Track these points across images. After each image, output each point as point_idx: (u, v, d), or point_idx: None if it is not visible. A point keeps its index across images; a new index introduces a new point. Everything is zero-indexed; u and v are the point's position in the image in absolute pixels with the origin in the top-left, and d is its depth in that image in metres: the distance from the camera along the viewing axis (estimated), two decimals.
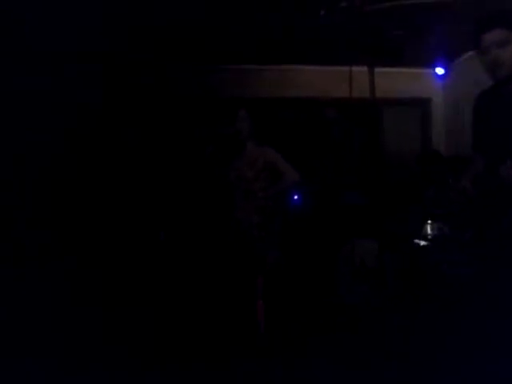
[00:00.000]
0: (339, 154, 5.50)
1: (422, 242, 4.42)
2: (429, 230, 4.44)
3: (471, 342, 2.58)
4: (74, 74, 4.45)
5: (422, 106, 5.83)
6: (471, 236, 2.66)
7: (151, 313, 3.77)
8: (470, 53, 5.05)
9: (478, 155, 2.49)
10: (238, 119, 3.48)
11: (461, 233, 4.04)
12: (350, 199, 5.03)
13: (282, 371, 3.07)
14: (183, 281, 4.16)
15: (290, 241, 3.71)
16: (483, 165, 2.41)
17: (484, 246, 2.46)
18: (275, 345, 3.32)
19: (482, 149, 2.44)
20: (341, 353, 3.32)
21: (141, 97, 4.92)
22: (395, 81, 5.33)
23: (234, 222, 3.45)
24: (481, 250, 2.55)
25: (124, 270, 4.07)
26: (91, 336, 3.31)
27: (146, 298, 3.91)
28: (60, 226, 4.18)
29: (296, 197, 4.64)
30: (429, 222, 4.45)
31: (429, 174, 4.69)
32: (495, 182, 2.21)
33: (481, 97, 2.50)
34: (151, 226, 4.55)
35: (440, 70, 5.51)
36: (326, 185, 5.11)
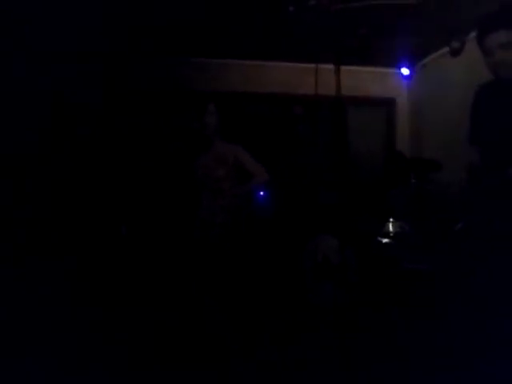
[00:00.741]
0: (304, 152, 5.53)
1: (384, 240, 4.50)
2: (391, 228, 4.52)
3: (432, 335, 2.63)
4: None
5: (386, 105, 5.91)
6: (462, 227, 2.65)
7: (110, 309, 3.71)
8: (435, 54, 5.16)
9: (474, 147, 2.45)
10: (206, 113, 3.43)
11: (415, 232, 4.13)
12: (324, 199, 5.06)
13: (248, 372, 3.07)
14: (144, 276, 4.10)
15: (255, 240, 3.69)
16: (479, 158, 2.37)
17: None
18: (234, 346, 3.30)
19: (480, 143, 2.40)
20: (309, 351, 3.35)
21: (106, 90, 4.83)
22: (361, 80, 5.40)
23: (199, 220, 3.40)
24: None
25: (83, 264, 4.00)
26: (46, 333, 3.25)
27: (105, 294, 3.85)
28: (19, 221, 4.08)
29: (262, 193, 4.65)
30: (391, 220, 4.53)
31: (392, 173, 4.77)
32: (501, 180, 2.17)
33: (481, 90, 2.45)
34: (113, 219, 4.47)
35: (405, 71, 5.60)
36: (292, 182, 5.12)
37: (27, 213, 4.15)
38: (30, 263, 3.83)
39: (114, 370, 3.00)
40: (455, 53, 4.51)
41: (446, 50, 4.70)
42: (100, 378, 2.91)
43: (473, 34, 4.26)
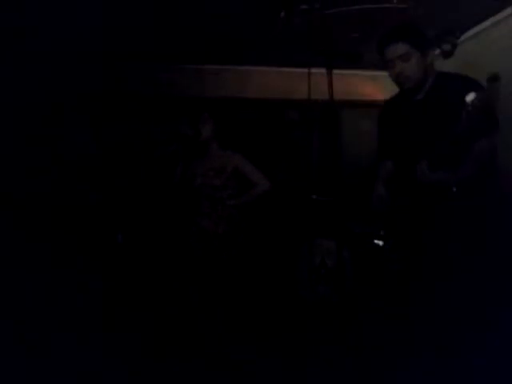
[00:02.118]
0: (299, 156, 5.54)
1: (381, 242, 4.50)
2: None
3: (430, 336, 2.64)
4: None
5: (379, 108, 5.90)
6: (392, 243, 2.81)
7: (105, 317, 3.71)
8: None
9: (387, 162, 2.65)
10: (200, 121, 3.40)
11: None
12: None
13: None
14: (141, 285, 4.10)
15: (253, 246, 3.67)
16: (392, 168, 2.59)
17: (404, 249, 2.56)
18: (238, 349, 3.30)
19: (389, 155, 2.61)
20: (306, 353, 3.35)
21: (97, 96, 4.83)
22: (354, 83, 5.41)
23: (199, 229, 3.36)
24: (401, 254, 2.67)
25: (80, 272, 3.99)
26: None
27: (101, 301, 3.85)
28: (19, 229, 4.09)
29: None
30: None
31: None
32: (409, 182, 2.34)
33: (385, 108, 2.71)
34: (109, 227, 4.46)
35: None
36: (286, 186, 5.13)
37: (24, 220, 4.15)
38: (28, 268, 3.84)
39: (112, 370, 3.05)
40: (447, 55, 4.54)
41: (437, 52, 4.73)
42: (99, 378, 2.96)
43: (464, 37, 4.31)
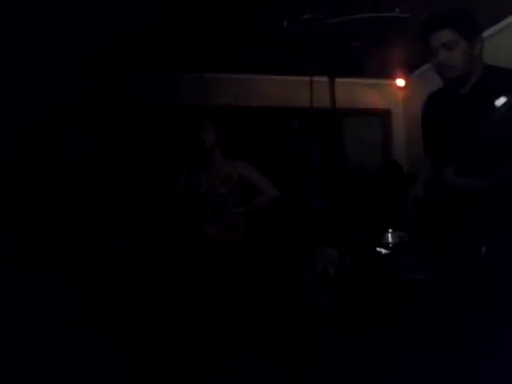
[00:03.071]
0: (301, 163, 5.55)
1: (384, 250, 4.50)
2: (390, 239, 4.52)
3: (431, 346, 2.63)
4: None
5: (381, 116, 5.95)
6: (423, 244, 2.69)
7: (107, 324, 3.72)
8: (429, 65, 5.19)
9: (428, 161, 2.48)
10: (202, 130, 3.40)
11: (414, 242, 4.14)
12: (315, 208, 5.07)
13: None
14: (142, 291, 4.10)
15: (254, 253, 3.67)
16: (432, 170, 2.40)
17: (434, 254, 2.47)
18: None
19: (433, 154, 2.43)
20: (307, 360, 3.34)
21: (100, 105, 4.85)
22: (356, 91, 5.43)
23: (203, 236, 3.35)
24: (431, 257, 2.58)
25: (82, 278, 4.00)
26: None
27: (104, 307, 3.85)
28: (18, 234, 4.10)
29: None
30: (390, 230, 4.54)
31: (387, 183, 4.79)
32: (441, 188, 2.20)
33: (429, 101, 2.48)
34: (111, 234, 4.47)
35: (400, 82, 5.65)
36: (288, 194, 5.14)
37: (26, 228, 4.17)
38: (29, 274, 3.85)
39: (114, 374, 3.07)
40: None
41: None
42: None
43: None
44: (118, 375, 3.12)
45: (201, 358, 3.28)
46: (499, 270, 2.08)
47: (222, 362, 3.17)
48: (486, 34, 4.19)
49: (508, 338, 2.05)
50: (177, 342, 3.58)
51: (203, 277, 3.24)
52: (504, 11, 3.90)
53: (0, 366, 2.92)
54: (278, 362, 3.43)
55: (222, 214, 3.33)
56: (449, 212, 2.22)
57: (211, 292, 3.23)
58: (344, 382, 2.57)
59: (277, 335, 3.91)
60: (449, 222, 2.23)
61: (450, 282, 2.29)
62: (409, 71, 5.46)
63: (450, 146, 2.18)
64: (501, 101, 1.79)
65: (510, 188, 2.06)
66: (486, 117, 1.86)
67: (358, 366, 2.89)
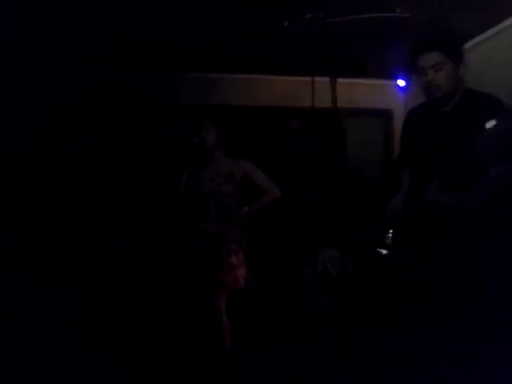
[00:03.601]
0: (302, 164, 5.55)
1: (384, 251, 4.49)
2: (391, 240, 4.52)
3: (432, 346, 2.63)
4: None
5: (383, 117, 5.94)
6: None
7: (108, 323, 3.72)
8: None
9: (405, 172, 2.60)
10: (203, 130, 3.40)
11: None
12: (314, 201, 5.06)
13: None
14: (144, 291, 4.11)
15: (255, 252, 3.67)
16: (408, 183, 2.52)
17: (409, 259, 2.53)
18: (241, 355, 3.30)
19: (409, 164, 2.56)
20: (307, 360, 3.34)
21: (100, 104, 4.86)
22: (358, 92, 5.42)
23: (205, 234, 3.35)
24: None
25: (82, 279, 4.01)
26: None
27: (105, 307, 3.86)
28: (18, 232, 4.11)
29: None
30: (390, 231, 4.53)
31: (392, 179, 4.78)
32: (420, 202, 2.29)
33: (411, 114, 2.65)
34: (112, 232, 4.47)
35: (402, 82, 5.64)
36: (289, 194, 5.14)
37: (26, 226, 4.18)
38: (30, 273, 3.86)
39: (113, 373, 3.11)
40: None
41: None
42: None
43: (466, 45, 4.31)
44: (117, 373, 3.12)
45: (201, 357, 3.29)
46: (472, 279, 2.18)
47: (221, 361, 3.17)
48: (483, 36, 4.21)
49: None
50: (178, 341, 3.59)
51: (205, 275, 3.23)
52: (501, 14, 3.90)
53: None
54: (278, 361, 3.44)
55: (225, 213, 3.33)
56: (426, 221, 2.31)
57: (211, 291, 3.21)
58: (343, 381, 2.57)
59: (277, 334, 3.92)
60: (425, 230, 2.32)
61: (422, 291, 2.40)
62: (410, 72, 5.44)
63: (429, 160, 2.31)
64: (491, 123, 1.87)
65: (489, 201, 2.14)
66: (473, 136, 1.94)
67: (358, 366, 2.89)
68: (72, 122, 4.78)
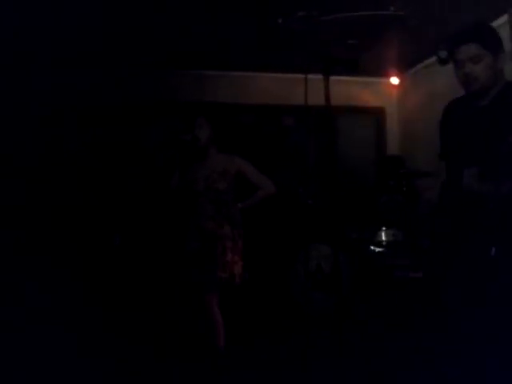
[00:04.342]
0: (296, 161, 5.56)
1: (377, 249, 4.51)
2: (383, 237, 4.54)
3: (425, 342, 2.65)
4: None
5: (376, 114, 5.97)
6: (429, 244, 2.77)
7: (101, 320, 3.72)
8: (424, 63, 5.22)
9: (443, 164, 2.55)
10: (196, 126, 3.39)
11: (420, 240, 4.17)
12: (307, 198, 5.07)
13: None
14: (137, 288, 4.10)
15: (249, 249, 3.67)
16: (446, 173, 2.49)
17: (439, 252, 2.53)
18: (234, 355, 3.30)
19: (447, 157, 2.52)
20: (301, 358, 3.35)
21: (96, 101, 4.84)
22: (350, 89, 5.44)
23: (202, 232, 3.34)
24: (436, 256, 2.64)
25: (76, 275, 4.00)
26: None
27: (98, 304, 3.86)
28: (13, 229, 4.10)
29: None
30: (383, 228, 4.55)
31: (386, 178, 4.80)
32: (457, 191, 2.28)
33: (450, 106, 2.57)
34: (106, 229, 4.46)
35: (394, 80, 5.66)
36: (283, 191, 5.14)
37: (22, 223, 4.17)
38: (26, 269, 3.85)
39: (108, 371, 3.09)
40: (443, 62, 4.57)
41: (434, 59, 4.76)
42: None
43: None
44: (115, 372, 3.12)
45: (195, 355, 3.29)
46: (506, 275, 2.12)
47: (216, 360, 3.18)
48: None
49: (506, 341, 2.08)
50: (174, 339, 3.59)
51: (201, 272, 3.23)
52: (498, 10, 3.91)
53: None
54: (271, 359, 3.44)
55: (221, 210, 3.33)
56: (461, 214, 2.28)
57: (206, 288, 3.22)
58: (338, 379, 2.58)
59: (270, 332, 3.93)
60: (460, 223, 2.29)
61: (454, 283, 2.33)
62: (403, 70, 5.47)
63: (468, 152, 2.28)
64: None
65: None
66: (505, 137, 1.95)
67: (351, 363, 2.90)
68: (69, 120, 4.76)
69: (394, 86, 5.73)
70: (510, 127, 1.97)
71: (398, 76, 5.61)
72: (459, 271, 2.28)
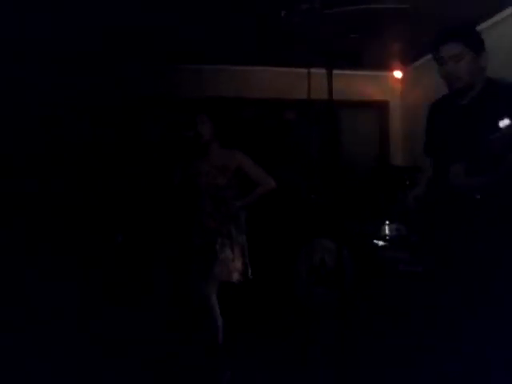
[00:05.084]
0: (298, 156, 5.54)
1: (381, 243, 4.50)
2: (387, 231, 4.53)
3: (429, 337, 2.64)
4: None
5: (379, 108, 5.94)
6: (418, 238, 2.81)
7: (105, 317, 3.72)
8: (427, 57, 5.18)
9: (428, 160, 2.63)
10: (198, 122, 3.36)
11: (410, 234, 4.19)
12: (310, 193, 5.06)
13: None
14: (139, 286, 4.11)
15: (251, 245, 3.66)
16: (432, 169, 2.56)
17: (428, 247, 2.57)
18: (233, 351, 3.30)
19: (433, 153, 2.59)
20: (303, 353, 3.35)
21: (96, 97, 4.83)
22: (354, 83, 5.41)
23: (202, 227, 3.33)
24: (425, 250, 2.68)
25: (78, 274, 4.00)
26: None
27: (101, 301, 3.86)
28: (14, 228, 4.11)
29: None
30: (387, 222, 4.54)
31: (382, 182, 4.81)
32: (444, 186, 2.32)
33: (435, 105, 2.64)
34: (108, 227, 4.46)
35: (398, 74, 5.63)
36: (285, 186, 5.13)
37: (24, 221, 4.17)
38: (26, 269, 3.86)
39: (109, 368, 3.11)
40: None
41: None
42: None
43: None
44: (116, 368, 3.13)
45: (200, 351, 3.30)
46: (493, 267, 2.17)
47: (220, 355, 3.18)
48: (487, 23, 4.17)
49: (502, 333, 2.10)
50: (175, 335, 3.59)
51: (202, 268, 3.22)
52: (502, 3, 3.88)
53: None
54: (275, 355, 3.44)
55: (220, 206, 3.31)
56: (447, 209, 2.33)
57: (205, 284, 3.21)
58: (342, 374, 2.57)
59: (272, 327, 3.93)
60: (446, 218, 2.34)
61: (442, 276, 2.38)
62: (407, 63, 5.44)
63: (452, 149, 2.34)
64: (505, 122, 1.91)
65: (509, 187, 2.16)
66: (494, 127, 1.96)
67: (355, 358, 2.90)
68: (69, 118, 4.76)
69: (397, 79, 5.70)
70: (492, 124, 1.98)
71: (401, 70, 5.58)
72: (448, 266, 2.32)
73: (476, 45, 2.31)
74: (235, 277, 3.22)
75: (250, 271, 3.31)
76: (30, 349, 3.18)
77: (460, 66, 2.29)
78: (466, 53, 2.28)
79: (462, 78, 2.30)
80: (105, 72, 4.81)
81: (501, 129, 1.92)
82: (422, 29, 4.24)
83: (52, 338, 3.32)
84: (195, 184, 3.35)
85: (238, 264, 3.25)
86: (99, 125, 4.88)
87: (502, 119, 1.92)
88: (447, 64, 2.31)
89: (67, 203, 4.47)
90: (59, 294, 3.79)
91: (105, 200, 4.61)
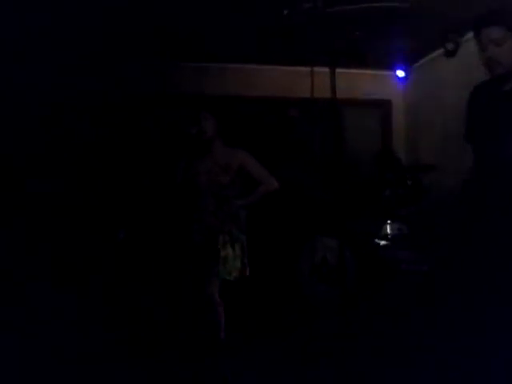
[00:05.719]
0: (301, 154, 5.54)
1: (382, 242, 4.51)
2: (388, 230, 4.53)
3: (431, 335, 2.64)
4: None
5: (382, 107, 5.94)
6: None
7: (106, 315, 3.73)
8: (430, 56, 5.19)
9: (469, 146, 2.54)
10: (201, 119, 3.36)
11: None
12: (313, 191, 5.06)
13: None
14: (141, 282, 4.11)
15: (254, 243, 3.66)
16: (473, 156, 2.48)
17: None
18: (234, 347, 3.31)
19: (474, 140, 2.50)
20: (307, 351, 3.35)
21: (98, 94, 4.83)
22: (357, 82, 5.41)
23: (203, 226, 3.34)
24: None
25: (80, 271, 4.01)
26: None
27: (101, 300, 3.87)
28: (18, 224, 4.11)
29: None
30: (388, 221, 4.54)
31: (385, 172, 4.79)
32: (485, 172, 2.28)
33: (476, 91, 2.55)
34: (110, 224, 4.47)
35: (400, 73, 5.63)
36: (289, 184, 5.13)
37: (26, 217, 4.18)
38: (29, 265, 3.86)
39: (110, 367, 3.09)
40: (450, 54, 4.54)
41: (440, 51, 4.72)
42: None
43: (467, 36, 4.28)
44: (116, 367, 3.12)
45: (201, 349, 3.30)
46: None
47: (222, 353, 3.19)
48: None
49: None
50: (177, 335, 3.60)
51: (203, 266, 3.23)
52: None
53: None
54: (278, 353, 3.44)
55: (222, 205, 3.31)
56: (493, 195, 2.26)
57: (206, 281, 3.22)
58: (343, 372, 2.59)
59: (276, 326, 3.93)
60: (492, 205, 2.27)
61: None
62: (410, 62, 5.44)
63: (493, 135, 2.29)
64: None
65: None
66: None
67: (356, 356, 2.91)
68: (70, 116, 4.76)
69: (400, 78, 5.70)
70: None
71: (404, 68, 5.58)
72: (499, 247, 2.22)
73: None
74: (234, 274, 3.23)
75: (248, 270, 3.31)
76: (29, 349, 3.17)
77: (501, 51, 2.20)
78: (509, 37, 2.19)
79: (502, 62, 2.22)
80: (106, 71, 4.80)
81: None
82: (424, 27, 4.26)
83: (52, 338, 3.32)
84: (197, 182, 3.35)
85: (238, 262, 3.26)
86: (100, 124, 4.87)
87: None
88: (487, 49, 2.23)
89: (68, 203, 4.47)
90: (60, 293, 3.79)
91: (107, 198, 4.62)
